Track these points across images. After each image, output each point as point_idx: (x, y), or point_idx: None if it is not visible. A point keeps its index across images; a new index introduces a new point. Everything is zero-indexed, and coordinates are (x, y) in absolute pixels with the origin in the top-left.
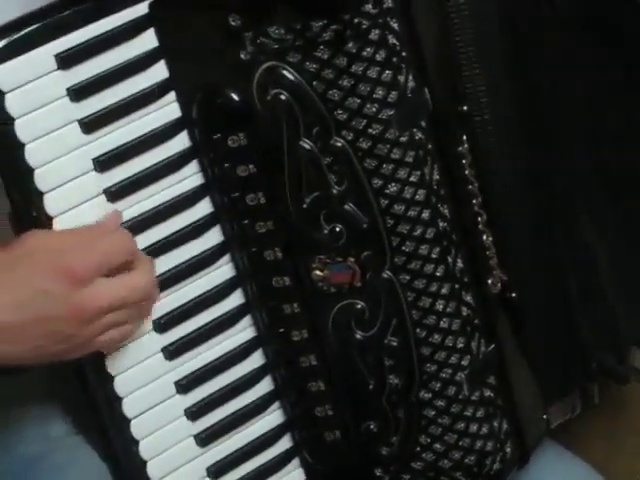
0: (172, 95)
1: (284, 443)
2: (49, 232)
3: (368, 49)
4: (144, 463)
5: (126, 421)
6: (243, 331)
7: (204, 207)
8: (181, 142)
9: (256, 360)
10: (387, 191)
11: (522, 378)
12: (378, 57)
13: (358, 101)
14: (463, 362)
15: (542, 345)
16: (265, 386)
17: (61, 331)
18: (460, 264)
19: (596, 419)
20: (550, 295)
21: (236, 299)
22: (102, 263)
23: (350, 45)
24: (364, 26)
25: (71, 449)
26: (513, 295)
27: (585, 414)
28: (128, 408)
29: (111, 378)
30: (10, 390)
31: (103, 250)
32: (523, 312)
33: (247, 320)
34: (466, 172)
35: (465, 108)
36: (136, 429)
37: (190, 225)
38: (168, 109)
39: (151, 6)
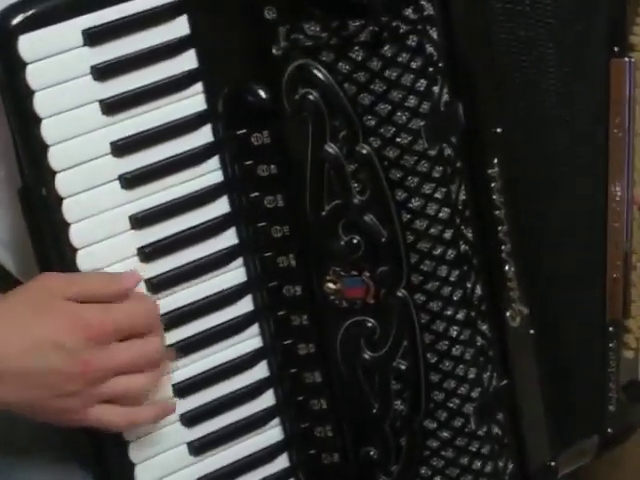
0: (199, 86)
1: (281, 462)
2: (70, 278)
3: (404, 55)
4: (132, 465)
5: None
6: (249, 340)
7: (221, 206)
8: (204, 136)
9: (259, 372)
10: (410, 205)
11: (533, 420)
12: (414, 65)
13: (389, 107)
14: (473, 394)
15: (558, 388)
16: (266, 400)
17: (63, 386)
18: (479, 291)
19: None
20: (573, 335)
21: (245, 305)
22: (122, 327)
23: (386, 48)
24: (402, 30)
25: None
26: (532, 332)
27: None
28: None
29: None
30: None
31: (126, 314)
32: (541, 351)
33: (254, 329)
34: (494, 197)
35: (499, 130)
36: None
37: (205, 223)
38: (194, 100)
39: None
